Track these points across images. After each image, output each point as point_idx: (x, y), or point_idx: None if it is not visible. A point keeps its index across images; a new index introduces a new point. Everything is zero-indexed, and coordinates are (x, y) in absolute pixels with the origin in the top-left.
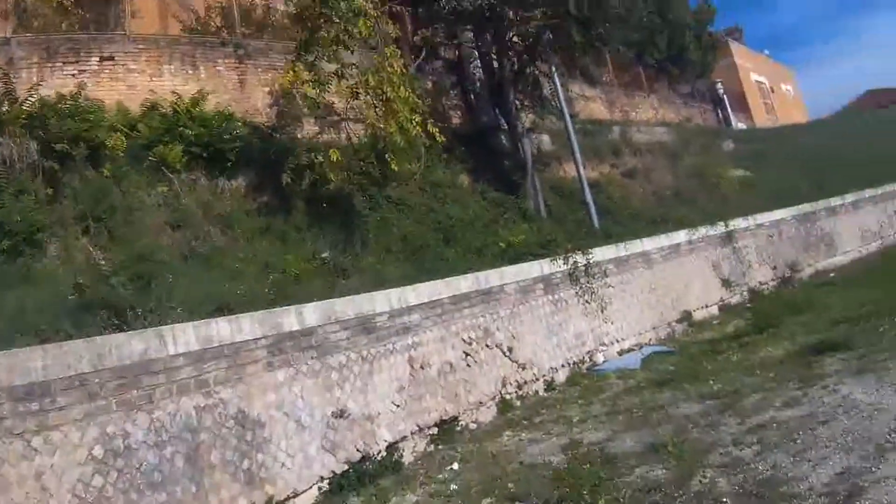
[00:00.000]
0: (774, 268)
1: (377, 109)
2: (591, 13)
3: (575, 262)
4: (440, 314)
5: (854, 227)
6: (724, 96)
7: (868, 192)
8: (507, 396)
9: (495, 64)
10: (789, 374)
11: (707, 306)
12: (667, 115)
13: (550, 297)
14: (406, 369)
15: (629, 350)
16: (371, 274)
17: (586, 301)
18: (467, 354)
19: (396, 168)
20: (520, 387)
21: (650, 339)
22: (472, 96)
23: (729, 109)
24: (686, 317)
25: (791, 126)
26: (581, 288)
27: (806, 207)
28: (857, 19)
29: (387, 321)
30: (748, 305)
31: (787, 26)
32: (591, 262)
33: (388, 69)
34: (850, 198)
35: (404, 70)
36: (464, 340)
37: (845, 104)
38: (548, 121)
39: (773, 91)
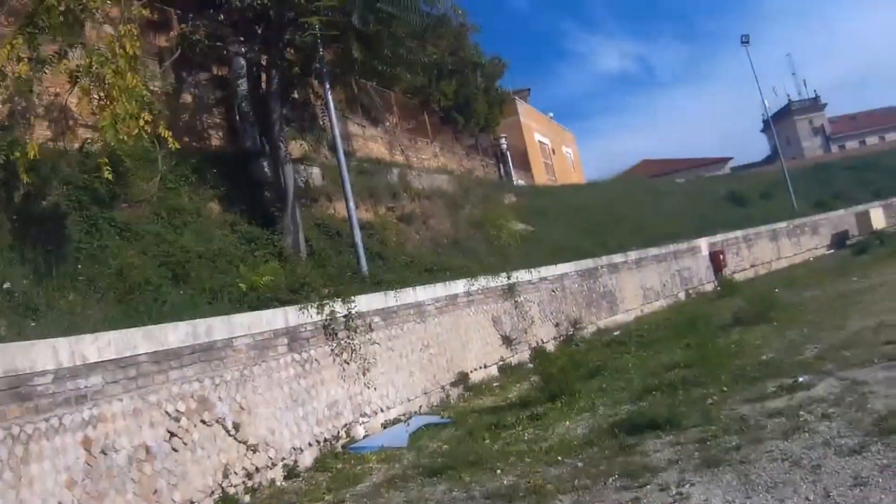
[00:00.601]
0: (557, 324)
1: (99, 99)
2: (378, 29)
3: (332, 311)
4: (134, 377)
5: (636, 284)
6: (508, 152)
7: (652, 251)
8: (231, 490)
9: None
10: (604, 462)
11: (486, 366)
12: (449, 163)
13: (297, 356)
14: (81, 455)
15: (396, 421)
16: (70, 316)
17: (345, 361)
18: (173, 434)
19: (109, 177)
20: (249, 476)
21: (421, 407)
22: (238, 116)
23: (511, 165)
24: (463, 379)
25: (570, 186)
26: (339, 344)
27: (588, 263)
28: (635, 97)
29: (52, 384)
30: (531, 366)
31: (572, 96)
32: (353, 312)
33: (118, 51)
34: (633, 255)
35: (137, 55)
36: (169, 414)
37: (621, 170)
38: (322, 154)
39: (554, 152)
